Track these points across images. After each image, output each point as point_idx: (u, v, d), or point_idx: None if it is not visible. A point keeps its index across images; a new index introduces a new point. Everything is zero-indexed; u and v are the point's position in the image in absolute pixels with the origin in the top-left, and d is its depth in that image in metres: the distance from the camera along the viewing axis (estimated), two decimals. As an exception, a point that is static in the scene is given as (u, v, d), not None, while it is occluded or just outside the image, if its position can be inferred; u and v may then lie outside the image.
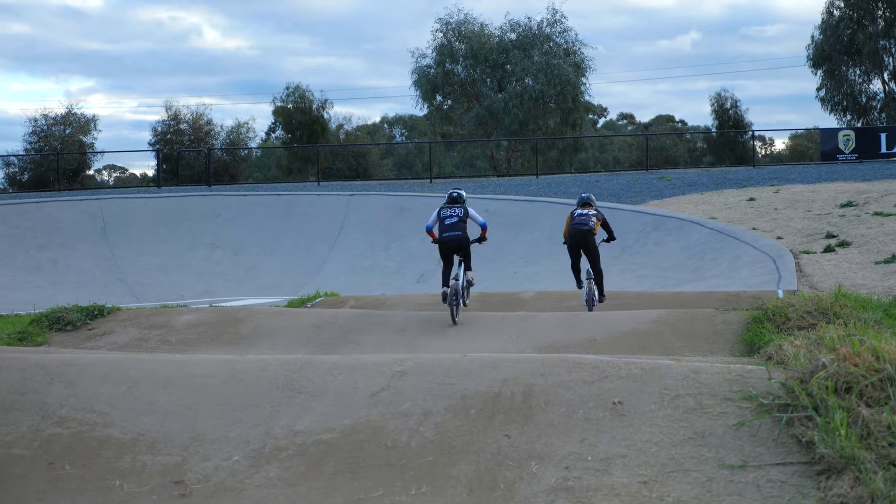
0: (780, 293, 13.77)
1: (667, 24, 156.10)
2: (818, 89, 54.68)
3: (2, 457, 5.22)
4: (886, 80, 53.28)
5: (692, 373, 5.38)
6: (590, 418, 5.03)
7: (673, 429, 4.82)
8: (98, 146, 60.53)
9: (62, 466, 5.10)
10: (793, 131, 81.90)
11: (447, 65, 53.19)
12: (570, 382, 5.42)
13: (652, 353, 8.79)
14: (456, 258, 13.04)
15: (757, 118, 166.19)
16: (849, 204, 25.22)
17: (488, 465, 4.73)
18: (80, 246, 29.52)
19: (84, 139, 56.07)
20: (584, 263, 13.99)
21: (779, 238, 22.01)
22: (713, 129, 63.00)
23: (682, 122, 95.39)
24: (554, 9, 59.25)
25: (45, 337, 11.23)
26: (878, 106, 53.90)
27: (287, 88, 60.67)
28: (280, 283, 25.90)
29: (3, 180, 53.21)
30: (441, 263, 12.98)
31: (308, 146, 54.62)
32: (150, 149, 57.28)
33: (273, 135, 70.20)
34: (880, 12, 52.03)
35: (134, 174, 79.70)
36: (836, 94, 53.70)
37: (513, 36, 52.94)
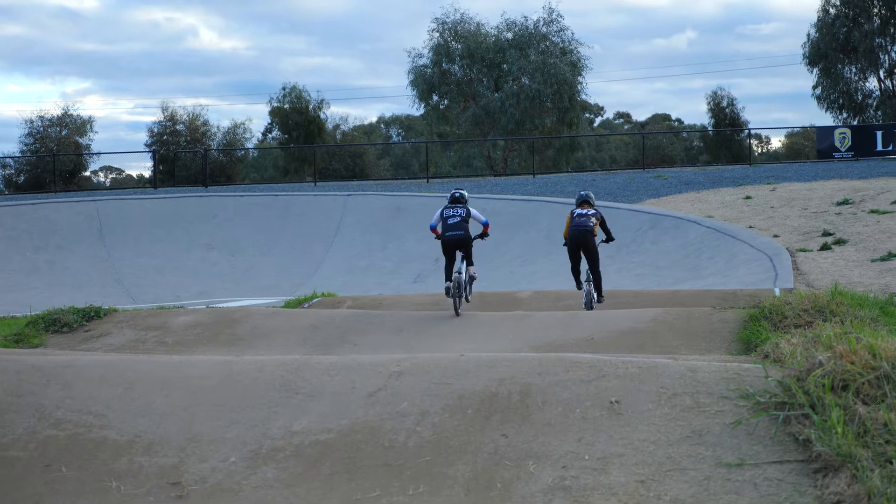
0: (777, 291, 13.77)
1: (663, 23, 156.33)
2: (814, 87, 54.75)
3: (-2, 459, 5.21)
4: (882, 77, 53.34)
5: (689, 371, 5.38)
6: (587, 417, 5.02)
7: (670, 427, 4.82)
8: (94, 147, 60.63)
9: (59, 468, 5.10)
10: (789, 129, 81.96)
11: (444, 64, 53.20)
12: (567, 382, 5.42)
13: (649, 351, 8.78)
14: (458, 254, 13.42)
15: (753, 116, 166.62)
16: (845, 202, 25.24)
17: (485, 465, 4.73)
18: (76, 247, 29.49)
19: (80, 140, 56.04)
20: (584, 265, 14.02)
21: (775, 236, 22.03)
22: (709, 128, 63.09)
23: (679, 120, 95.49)
24: (550, 8, 59.45)
25: (42, 339, 11.21)
26: (874, 104, 53.96)
27: (283, 89, 60.70)
28: (277, 284, 25.89)
29: (-1, 182, 53.22)
30: (443, 261, 13.29)
31: (305, 146, 54.63)
32: (147, 150, 57.34)
33: (269, 135, 70.21)
34: (876, 10, 52.09)
35: (130, 175, 79.69)
36: (832, 91, 53.75)
37: (509, 35, 52.95)
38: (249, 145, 64.00)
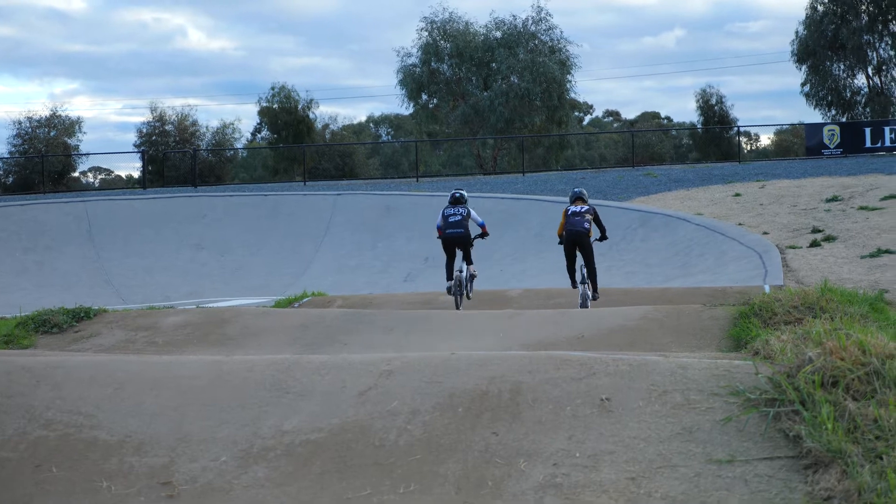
0: (767, 288, 13.81)
1: (651, 22, 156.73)
2: (803, 84, 54.91)
3: (-12, 460, 5.19)
4: (871, 74, 53.50)
5: (680, 369, 5.39)
6: (577, 415, 5.02)
7: (660, 425, 4.82)
8: (83, 148, 60.46)
9: (49, 469, 5.08)
10: (778, 127, 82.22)
11: (432, 63, 53.23)
12: (557, 379, 5.42)
13: (639, 349, 8.79)
14: (459, 253, 14.22)
15: (742, 114, 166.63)
16: (834, 199, 25.31)
17: (476, 463, 4.72)
18: (65, 248, 29.42)
19: (69, 141, 55.93)
20: (579, 260, 14.15)
21: (765, 233, 22.08)
22: (699, 126, 63.23)
23: (668, 118, 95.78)
24: (539, 7, 59.72)
25: (31, 340, 11.17)
26: (863, 101, 54.11)
27: (272, 89, 60.65)
28: (267, 284, 25.87)
29: (-13, 183, 53.05)
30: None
31: (294, 146, 54.59)
32: (136, 150, 57.23)
33: (259, 135, 70.15)
34: (864, 7, 52.26)
35: (119, 176, 79.57)
36: (821, 89, 53.91)
37: (498, 34, 52.99)
38: (239, 145, 63.98)
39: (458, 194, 14.75)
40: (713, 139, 60.13)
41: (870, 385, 4.57)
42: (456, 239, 14.19)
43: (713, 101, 60.63)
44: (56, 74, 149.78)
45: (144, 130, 58.07)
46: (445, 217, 14.36)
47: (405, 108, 57.79)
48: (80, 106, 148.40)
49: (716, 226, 23.45)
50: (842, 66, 53.95)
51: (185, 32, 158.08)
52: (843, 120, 51.21)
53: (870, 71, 53.42)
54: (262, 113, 62.96)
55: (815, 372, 4.72)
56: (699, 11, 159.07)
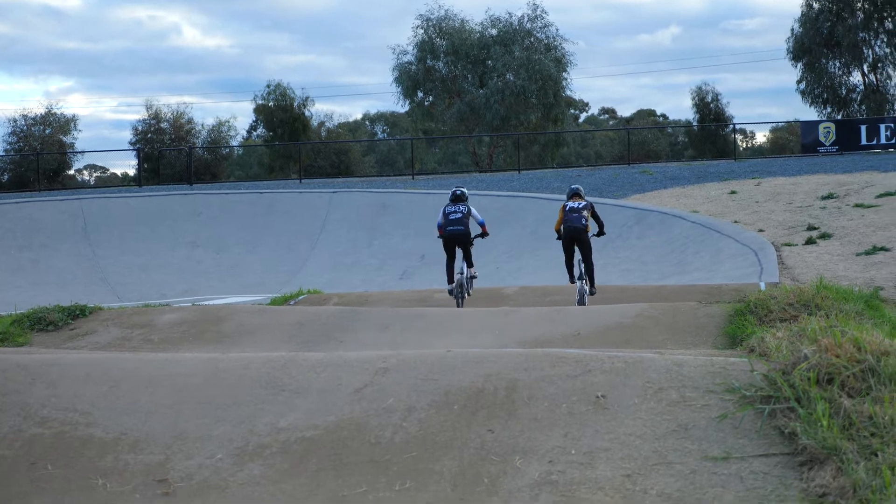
0: (763, 285, 13.82)
1: (647, 19, 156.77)
2: (798, 82, 54.99)
3: (-17, 458, 5.18)
4: (866, 72, 53.57)
5: (675, 366, 5.39)
6: (573, 412, 5.02)
7: (656, 422, 4.82)
8: (78, 146, 60.41)
9: (44, 466, 5.07)
10: (773, 124, 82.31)
11: (428, 61, 53.22)
12: (553, 377, 5.41)
13: (635, 346, 8.79)
14: (459, 252, 14.31)
15: (738, 111, 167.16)
16: (830, 196, 25.33)
17: (472, 460, 4.72)
18: (60, 246, 29.38)
19: (64, 139, 55.88)
20: (577, 256, 14.23)
21: (760, 231, 22.09)
22: (694, 123, 63.30)
23: (664, 116, 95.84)
24: (535, 4, 59.55)
25: (27, 337, 11.15)
26: (858, 98, 54.18)
27: (268, 86, 60.68)
28: (262, 281, 25.86)
29: (-18, 181, 52.96)
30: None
31: (289, 144, 54.59)
32: (131, 148, 57.19)
33: (254, 133, 70.12)
34: (859, 4, 52.32)
35: (115, 174, 79.40)
36: (817, 86, 53.96)
37: (494, 31, 52.99)
38: (234, 143, 63.95)
39: (458, 192, 14.82)
40: (709, 137, 60.15)
41: (865, 382, 4.57)
42: (456, 236, 14.24)
43: (709, 98, 60.74)
44: (51, 72, 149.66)
45: (140, 128, 58.13)
46: (446, 215, 14.42)
47: (401, 106, 57.90)
48: (75, 103, 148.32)
49: (711, 223, 23.46)
50: (837, 64, 54.02)
51: (179, 30, 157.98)
52: (839, 117, 51.25)
53: (865, 68, 53.50)
54: (258, 111, 62.93)
55: (811, 369, 4.72)
56: (695, 9, 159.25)
